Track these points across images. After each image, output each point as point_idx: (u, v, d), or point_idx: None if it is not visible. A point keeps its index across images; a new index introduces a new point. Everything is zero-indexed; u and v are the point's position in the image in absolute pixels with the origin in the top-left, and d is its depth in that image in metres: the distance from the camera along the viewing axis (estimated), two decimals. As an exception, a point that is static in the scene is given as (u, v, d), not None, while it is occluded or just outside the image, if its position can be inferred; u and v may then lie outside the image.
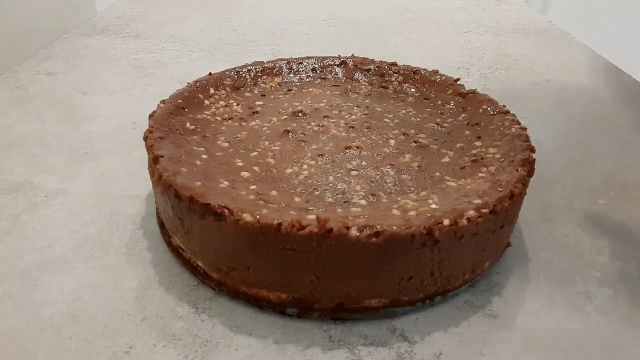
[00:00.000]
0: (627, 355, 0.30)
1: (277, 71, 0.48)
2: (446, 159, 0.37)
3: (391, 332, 0.31)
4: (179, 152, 0.35)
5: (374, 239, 0.28)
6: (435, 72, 0.47)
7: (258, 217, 0.28)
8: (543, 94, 0.60)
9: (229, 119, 0.41)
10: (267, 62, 0.48)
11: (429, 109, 0.43)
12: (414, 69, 0.48)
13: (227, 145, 0.38)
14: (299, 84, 0.47)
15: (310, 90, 0.46)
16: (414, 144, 0.38)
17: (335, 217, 0.29)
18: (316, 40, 0.74)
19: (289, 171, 0.35)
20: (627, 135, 0.52)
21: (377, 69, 0.49)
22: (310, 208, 0.31)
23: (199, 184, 0.31)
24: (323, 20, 0.82)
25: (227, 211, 0.29)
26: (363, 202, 0.32)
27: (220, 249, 0.31)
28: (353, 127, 0.40)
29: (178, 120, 0.39)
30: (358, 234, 0.28)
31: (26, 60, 0.65)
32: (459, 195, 0.32)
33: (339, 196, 0.33)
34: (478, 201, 0.30)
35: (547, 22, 0.86)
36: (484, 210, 0.29)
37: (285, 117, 0.41)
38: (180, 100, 0.40)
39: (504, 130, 0.38)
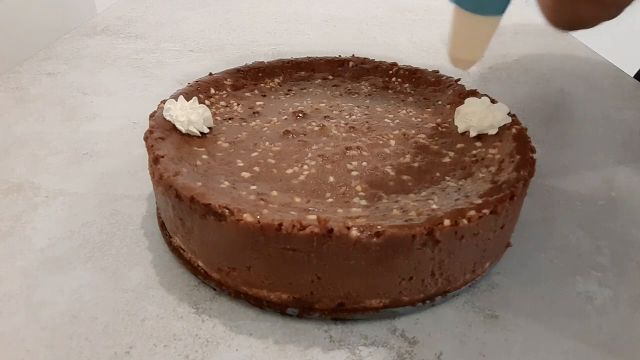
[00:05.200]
0: (627, 355, 0.30)
1: (277, 71, 0.48)
2: (446, 159, 0.37)
3: (391, 332, 0.31)
4: (179, 152, 0.35)
5: (375, 239, 0.28)
6: (435, 72, 0.47)
7: (258, 217, 0.28)
8: (543, 94, 0.60)
9: (229, 119, 0.41)
10: (267, 62, 0.48)
11: (429, 109, 0.43)
12: (414, 69, 0.48)
13: (227, 145, 0.38)
14: (299, 83, 0.47)
15: (310, 90, 0.46)
16: (414, 144, 0.38)
17: (335, 217, 0.29)
18: (316, 40, 0.74)
19: (289, 171, 0.35)
20: (627, 135, 0.52)
21: (377, 69, 0.49)
22: (310, 208, 0.31)
23: (199, 184, 0.31)
24: (323, 20, 0.82)
25: (227, 211, 0.29)
26: (363, 202, 0.32)
27: (221, 249, 0.31)
28: (353, 127, 0.40)
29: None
30: (358, 234, 0.28)
31: (26, 60, 0.65)
32: (459, 195, 0.32)
33: (339, 196, 0.33)
34: (478, 201, 0.30)
35: (547, 22, 0.86)
36: (484, 210, 0.29)
37: (286, 117, 0.41)
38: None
39: (504, 130, 0.38)
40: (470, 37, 0.28)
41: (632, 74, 0.66)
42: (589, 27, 0.40)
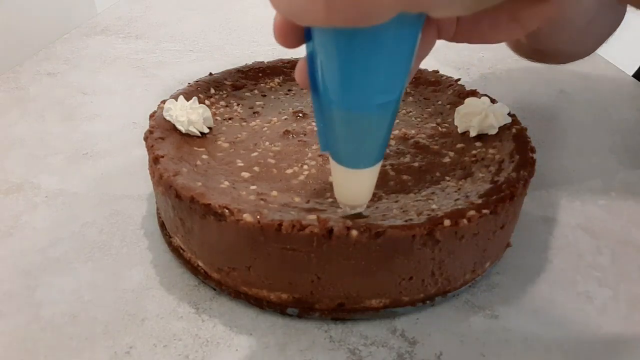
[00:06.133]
0: (627, 355, 0.30)
1: (277, 71, 0.48)
2: (446, 159, 0.37)
3: (391, 332, 0.31)
4: (179, 152, 0.35)
5: (375, 239, 0.28)
6: (435, 72, 0.47)
7: (258, 217, 0.28)
8: (543, 94, 0.60)
9: (229, 119, 0.41)
10: (267, 62, 0.48)
11: (429, 109, 0.43)
12: (414, 69, 0.48)
13: (227, 145, 0.38)
14: (299, 83, 0.47)
15: (311, 90, 0.46)
16: (414, 144, 0.38)
17: (335, 217, 0.29)
18: (316, 40, 0.74)
19: (289, 171, 0.35)
20: (627, 135, 0.52)
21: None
22: (310, 208, 0.31)
23: (199, 184, 0.31)
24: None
25: (227, 211, 0.29)
26: (363, 202, 0.32)
27: (221, 249, 0.31)
28: (353, 127, 0.40)
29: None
30: (358, 234, 0.28)
31: (26, 60, 0.65)
32: (459, 195, 0.32)
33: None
34: (478, 201, 0.30)
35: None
36: (484, 210, 0.29)
37: (286, 117, 0.41)
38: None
39: (504, 130, 0.38)
40: (351, 187, 0.27)
41: (631, 74, 0.66)
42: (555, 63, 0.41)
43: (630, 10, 0.35)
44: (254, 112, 0.42)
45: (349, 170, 0.26)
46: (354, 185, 0.27)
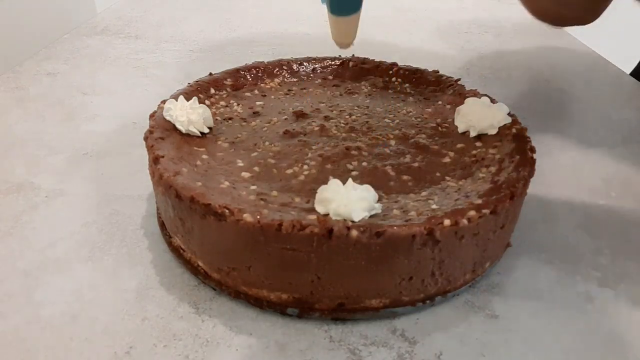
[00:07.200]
0: (626, 355, 0.30)
1: (277, 71, 0.48)
2: (446, 159, 0.37)
3: (391, 332, 0.31)
4: (179, 152, 0.35)
5: (375, 239, 0.28)
6: (435, 72, 0.47)
7: (258, 217, 0.28)
8: (543, 94, 0.60)
9: (229, 119, 0.41)
10: (267, 62, 0.48)
11: (429, 109, 0.43)
12: (414, 69, 0.48)
13: (227, 145, 0.38)
14: (299, 84, 0.47)
15: (311, 90, 0.46)
16: (414, 144, 0.38)
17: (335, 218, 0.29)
18: (316, 40, 0.74)
19: (289, 171, 0.35)
20: (627, 135, 0.52)
21: (377, 69, 0.49)
22: (310, 208, 0.31)
23: (199, 184, 0.31)
24: (323, 20, 0.82)
25: (227, 211, 0.29)
26: (363, 202, 0.32)
27: (221, 249, 0.31)
28: (353, 127, 0.40)
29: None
30: (358, 234, 0.28)
31: (26, 60, 0.65)
32: (459, 195, 0.32)
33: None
34: (478, 201, 0.30)
35: (547, 22, 0.86)
36: (484, 210, 0.29)
37: (286, 117, 0.41)
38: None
39: (504, 130, 0.38)
40: (341, 30, 0.39)
41: (630, 73, 0.66)
42: (575, 23, 0.41)
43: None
44: (254, 112, 0.42)
45: (338, 18, 0.38)
46: (342, 28, 0.39)
